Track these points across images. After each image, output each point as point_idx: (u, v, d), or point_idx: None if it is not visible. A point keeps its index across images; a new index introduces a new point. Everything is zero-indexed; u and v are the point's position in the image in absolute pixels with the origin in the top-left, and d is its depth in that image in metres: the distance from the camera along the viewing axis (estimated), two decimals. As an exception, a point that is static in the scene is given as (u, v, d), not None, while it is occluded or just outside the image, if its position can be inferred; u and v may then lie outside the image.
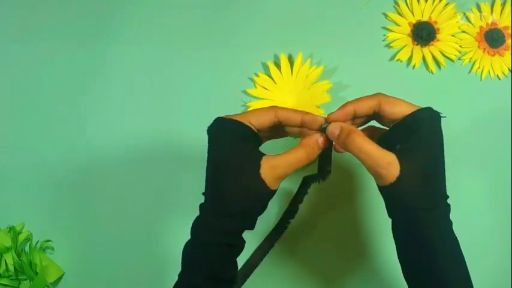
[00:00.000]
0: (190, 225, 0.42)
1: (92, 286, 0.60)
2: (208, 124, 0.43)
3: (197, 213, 0.42)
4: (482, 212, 0.60)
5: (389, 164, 0.38)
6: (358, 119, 0.45)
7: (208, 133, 0.42)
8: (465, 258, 0.41)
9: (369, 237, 0.59)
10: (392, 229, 0.42)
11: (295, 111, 0.43)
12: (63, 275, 0.59)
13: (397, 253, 0.42)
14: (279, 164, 0.40)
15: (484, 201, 0.60)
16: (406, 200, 0.39)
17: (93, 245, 0.60)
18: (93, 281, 0.60)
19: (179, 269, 0.42)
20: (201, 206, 0.42)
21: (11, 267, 0.56)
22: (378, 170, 0.39)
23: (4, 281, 0.56)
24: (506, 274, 0.59)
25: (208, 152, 0.42)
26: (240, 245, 0.42)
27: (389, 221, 0.42)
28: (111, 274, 0.60)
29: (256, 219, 0.43)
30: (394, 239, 0.42)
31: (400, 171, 0.38)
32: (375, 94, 0.43)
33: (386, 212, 0.42)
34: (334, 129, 0.42)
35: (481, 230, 0.59)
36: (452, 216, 0.41)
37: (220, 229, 0.40)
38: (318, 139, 0.42)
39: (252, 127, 0.42)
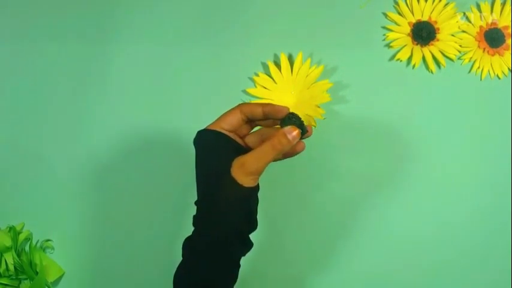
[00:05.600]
0: (189, 225, 0.42)
1: (92, 286, 0.60)
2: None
3: (194, 211, 0.43)
4: (482, 212, 0.59)
5: None
6: None
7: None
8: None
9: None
10: None
11: (257, 104, 0.44)
12: (63, 274, 0.59)
13: None
14: (246, 160, 0.41)
15: (484, 201, 0.60)
16: None
17: (93, 245, 0.60)
18: (93, 281, 0.60)
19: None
20: (194, 217, 0.43)
21: (11, 267, 0.56)
22: None
23: (4, 281, 0.56)
24: (506, 274, 0.59)
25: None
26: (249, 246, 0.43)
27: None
28: (111, 274, 0.60)
29: (252, 218, 0.43)
30: None
31: None
32: None
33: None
34: None
35: (481, 230, 0.59)
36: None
37: (223, 231, 0.41)
38: (287, 132, 0.41)
39: (225, 131, 0.43)
